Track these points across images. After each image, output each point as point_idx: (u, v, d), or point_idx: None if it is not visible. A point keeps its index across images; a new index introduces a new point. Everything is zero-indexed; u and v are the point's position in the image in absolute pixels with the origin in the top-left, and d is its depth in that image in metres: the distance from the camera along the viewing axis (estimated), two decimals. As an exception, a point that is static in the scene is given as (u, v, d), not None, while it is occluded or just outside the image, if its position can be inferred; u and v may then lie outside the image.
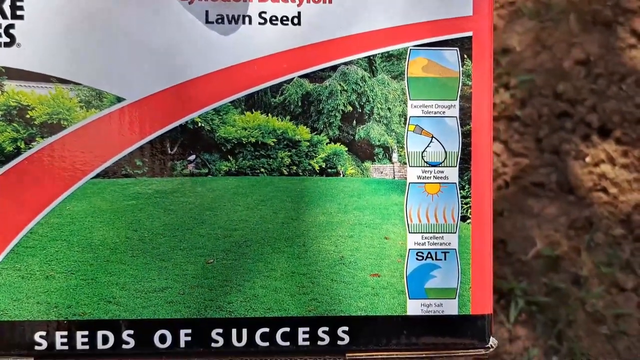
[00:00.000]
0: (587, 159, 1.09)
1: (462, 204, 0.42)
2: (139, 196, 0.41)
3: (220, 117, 0.41)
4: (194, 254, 0.41)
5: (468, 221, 0.42)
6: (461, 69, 0.42)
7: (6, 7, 0.40)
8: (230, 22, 0.41)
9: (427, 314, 0.42)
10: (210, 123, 0.41)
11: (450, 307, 0.42)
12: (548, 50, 1.16)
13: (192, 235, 0.41)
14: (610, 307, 0.95)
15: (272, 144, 0.42)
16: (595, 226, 1.04)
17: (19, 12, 0.40)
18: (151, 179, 0.41)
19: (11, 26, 0.40)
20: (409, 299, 0.42)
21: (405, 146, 0.42)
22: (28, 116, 0.41)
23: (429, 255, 0.42)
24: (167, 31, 0.40)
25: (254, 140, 0.42)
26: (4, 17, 0.40)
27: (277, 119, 0.42)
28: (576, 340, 0.90)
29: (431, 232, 0.42)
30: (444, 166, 0.42)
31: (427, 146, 0.42)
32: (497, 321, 0.92)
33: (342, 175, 0.42)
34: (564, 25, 1.17)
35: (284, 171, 0.42)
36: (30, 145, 0.41)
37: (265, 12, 0.41)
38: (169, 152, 0.41)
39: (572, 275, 0.98)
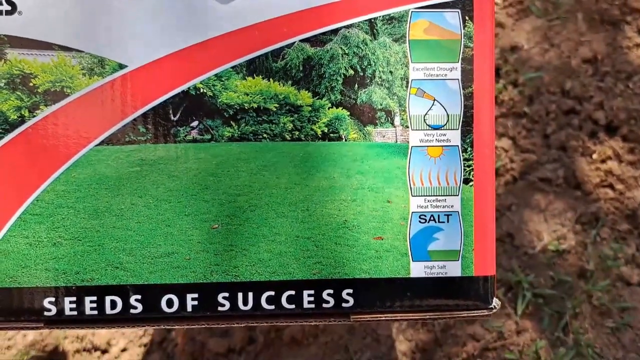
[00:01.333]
0: (594, 156, 1.11)
1: (464, 166, 0.42)
2: (143, 163, 0.42)
3: (222, 82, 0.41)
4: (198, 220, 0.42)
5: (470, 184, 0.42)
6: (462, 31, 0.42)
7: (6, -26, 0.40)
8: (231, -14, 0.41)
9: (431, 275, 0.42)
10: (212, 89, 0.41)
11: (454, 269, 0.42)
12: (556, 48, 1.18)
13: (197, 201, 0.42)
14: (616, 301, 0.96)
15: (274, 109, 0.42)
16: (602, 221, 1.05)
17: (18, -20, 0.40)
18: (155, 145, 0.41)
19: (11, -6, 0.40)
20: (412, 261, 0.42)
21: (407, 109, 0.42)
22: (31, 84, 0.41)
23: (432, 218, 0.42)
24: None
25: (256, 106, 0.42)
26: (5, -15, 0.40)
27: (279, 84, 0.42)
28: (582, 333, 0.91)
29: (434, 195, 0.42)
30: (446, 129, 0.42)
31: (429, 109, 0.42)
32: (505, 314, 0.93)
33: (344, 140, 0.42)
34: (571, 24, 1.19)
35: (287, 136, 0.42)
36: (34, 114, 0.41)
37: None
38: (172, 118, 0.42)
39: (578, 269, 0.99)
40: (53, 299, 0.41)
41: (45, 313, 0.41)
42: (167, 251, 0.41)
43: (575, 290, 0.95)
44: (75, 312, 0.41)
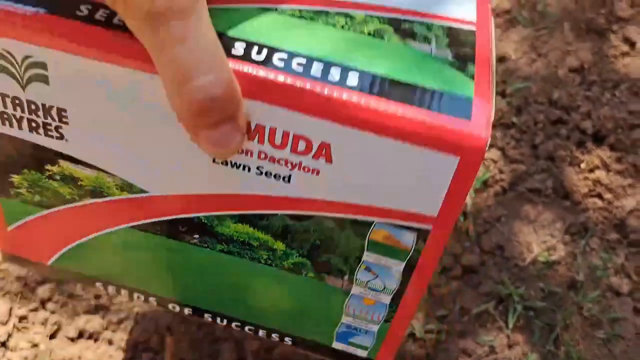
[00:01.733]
0: (582, 165, 0.99)
1: (388, 312, 0.56)
2: (159, 247, 0.57)
3: (219, 221, 0.53)
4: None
5: (389, 322, 0.57)
6: (415, 246, 0.50)
7: (54, 114, 0.49)
8: (232, 167, 0.49)
9: (345, 350, 0.61)
10: (211, 223, 0.54)
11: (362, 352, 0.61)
12: (543, 57, 1.10)
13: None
14: (606, 311, 0.96)
15: (256, 245, 0.55)
16: (591, 231, 1.02)
17: (64, 119, 0.49)
18: (167, 240, 0.56)
19: (59, 127, 0.50)
20: (335, 341, 0.61)
21: (355, 275, 0.54)
22: (79, 184, 0.54)
23: (355, 329, 0.59)
24: (181, 158, 0.49)
25: (242, 240, 0.54)
26: (53, 119, 0.50)
27: (261, 233, 0.53)
28: (573, 345, 0.91)
29: (360, 320, 0.58)
30: (381, 293, 0.55)
31: (371, 280, 0.54)
32: (496, 327, 0.94)
33: (305, 276, 0.56)
34: (558, 33, 1.09)
35: (262, 261, 0.56)
36: (82, 201, 0.55)
37: (262, 167, 0.49)
38: (180, 229, 0.55)
39: (568, 280, 1.00)
40: None
41: None
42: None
43: (565, 301, 0.97)
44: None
